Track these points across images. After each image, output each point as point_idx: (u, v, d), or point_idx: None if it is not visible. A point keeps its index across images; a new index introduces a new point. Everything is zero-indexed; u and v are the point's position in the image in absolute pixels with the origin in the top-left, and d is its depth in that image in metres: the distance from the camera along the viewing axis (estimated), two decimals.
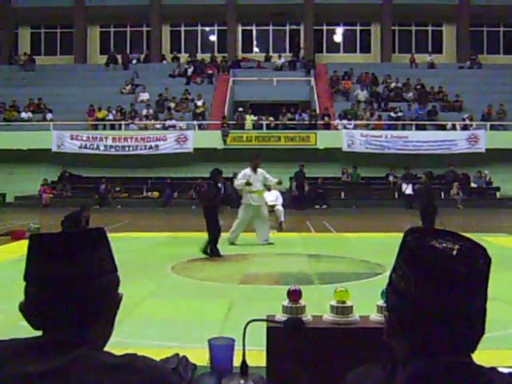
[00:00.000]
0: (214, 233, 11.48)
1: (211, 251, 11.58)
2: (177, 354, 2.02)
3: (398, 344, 1.32)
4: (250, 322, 1.90)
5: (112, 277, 1.47)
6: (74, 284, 1.38)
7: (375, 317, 2.11)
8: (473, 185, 27.46)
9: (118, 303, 1.49)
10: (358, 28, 37.26)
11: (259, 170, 13.39)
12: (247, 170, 13.34)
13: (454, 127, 28.58)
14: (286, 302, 2.14)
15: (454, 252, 1.26)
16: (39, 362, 1.31)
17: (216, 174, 12.07)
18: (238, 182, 13.31)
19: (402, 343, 1.31)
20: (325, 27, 37.20)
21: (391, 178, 27.73)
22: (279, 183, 13.84)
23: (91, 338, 1.39)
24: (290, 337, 1.93)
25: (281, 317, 2.10)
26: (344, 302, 2.11)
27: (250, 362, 1.98)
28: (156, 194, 27.43)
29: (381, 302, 2.12)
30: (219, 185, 12.13)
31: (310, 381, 1.99)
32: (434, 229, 1.35)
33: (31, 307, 1.41)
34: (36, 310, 1.40)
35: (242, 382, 1.91)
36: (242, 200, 13.42)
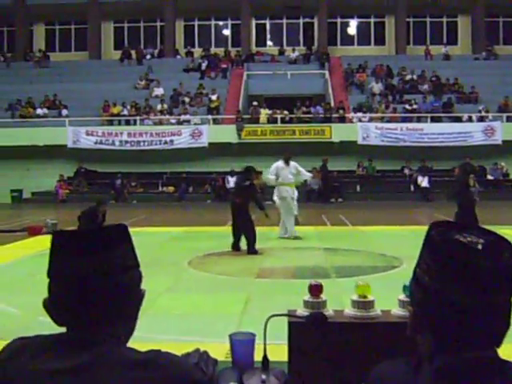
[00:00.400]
0: (253, 230, 11.39)
1: (233, 246, 11.58)
2: (198, 349, 2.02)
3: (422, 339, 1.31)
4: (271, 317, 1.90)
5: (135, 273, 1.47)
6: (97, 281, 1.38)
7: (397, 311, 2.10)
8: (489, 177, 27.26)
9: (141, 299, 1.49)
10: (372, 20, 37.06)
11: (291, 163, 13.49)
12: (279, 163, 13.42)
13: (470, 119, 28.38)
14: (307, 297, 2.13)
15: (479, 246, 1.25)
16: (64, 358, 1.32)
17: (249, 171, 12.00)
18: (269, 177, 13.44)
19: (427, 338, 1.30)
20: (339, 20, 37.03)
21: (407, 171, 27.59)
22: (313, 177, 13.94)
23: (115, 334, 1.40)
24: (312, 332, 1.93)
25: (302, 311, 2.10)
26: (365, 297, 2.10)
27: (270, 357, 1.97)
28: (171, 188, 27.50)
29: (402, 297, 2.11)
30: (253, 182, 12.03)
31: (332, 376, 1.98)
32: (458, 223, 1.34)
33: (55, 304, 1.42)
34: (59, 306, 1.41)
35: (263, 377, 1.90)
36: (275, 194, 13.53)
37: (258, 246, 11.38)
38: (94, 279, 1.38)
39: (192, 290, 8.12)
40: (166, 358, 1.36)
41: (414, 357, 1.30)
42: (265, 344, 1.94)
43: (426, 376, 1.22)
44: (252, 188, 11.80)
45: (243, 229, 11.39)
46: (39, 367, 1.32)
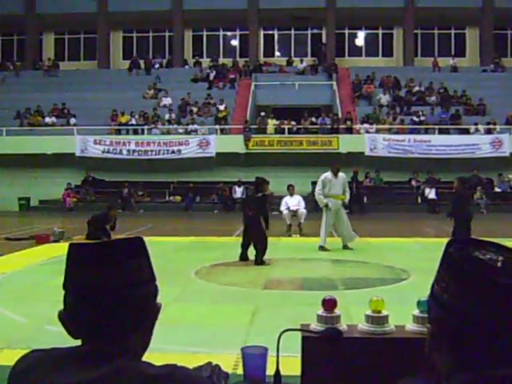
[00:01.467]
0: (264, 241, 11.37)
1: (241, 256, 11.58)
2: (210, 363, 2.01)
3: (440, 357, 1.30)
4: (285, 331, 1.89)
5: (151, 286, 1.46)
6: (114, 294, 1.37)
7: (411, 327, 2.08)
8: (497, 189, 27.18)
9: (157, 313, 1.49)
10: (381, 32, 37.12)
11: (340, 174, 13.40)
12: (328, 174, 13.30)
13: (476, 130, 28.25)
14: (320, 311, 2.12)
15: (499, 264, 1.24)
16: (80, 372, 1.31)
17: (262, 182, 11.98)
18: (320, 198, 13.28)
19: (445, 356, 1.28)
20: (347, 31, 37.11)
21: (414, 183, 27.54)
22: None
23: (130, 348, 1.39)
24: (326, 347, 1.91)
25: (316, 326, 2.08)
26: (379, 312, 2.08)
27: (281, 370, 1.96)
28: (178, 198, 27.54)
29: (417, 312, 2.09)
30: (265, 194, 12.01)
31: None
32: (476, 239, 1.33)
33: (70, 317, 1.40)
34: (75, 319, 1.40)
35: None
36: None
37: (265, 256, 11.37)
38: (111, 292, 1.37)
39: (199, 301, 8.09)
40: (183, 372, 1.34)
41: (433, 375, 1.28)
42: (277, 359, 1.92)
43: None
44: (264, 199, 11.80)
45: (254, 239, 11.38)
46: (55, 381, 1.31)
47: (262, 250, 11.25)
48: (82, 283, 1.39)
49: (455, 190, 12.95)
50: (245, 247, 11.59)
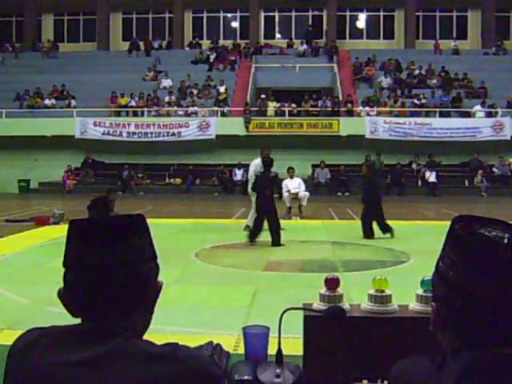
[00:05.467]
0: (278, 222, 11.46)
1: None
2: (211, 342, 2.00)
3: (445, 335, 1.28)
4: (287, 311, 1.87)
5: (152, 264, 1.44)
6: (115, 271, 1.35)
7: (415, 306, 2.07)
8: (496, 171, 27.13)
9: (158, 291, 1.47)
10: (382, 14, 36.86)
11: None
12: (258, 161, 12.79)
13: (478, 111, 28.15)
14: (323, 291, 2.10)
15: (505, 241, 1.22)
16: (80, 350, 1.29)
17: (272, 162, 11.98)
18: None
19: (450, 334, 1.27)
20: (348, 13, 36.84)
21: (414, 166, 27.49)
22: None
23: (131, 326, 1.37)
24: (328, 326, 1.90)
25: (318, 305, 2.07)
26: (383, 291, 2.07)
27: (283, 349, 1.95)
28: (178, 180, 27.51)
29: (420, 291, 2.08)
30: (277, 173, 12.14)
31: (349, 371, 1.96)
32: (481, 217, 1.31)
33: (70, 294, 1.38)
34: (75, 297, 1.37)
35: (277, 370, 1.88)
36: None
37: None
38: (112, 269, 1.35)
39: (199, 282, 8.11)
40: (184, 351, 1.33)
41: (438, 353, 1.27)
42: (279, 337, 1.91)
43: (452, 373, 1.19)
44: (277, 178, 12.04)
45: (268, 220, 11.40)
46: (55, 358, 1.29)
47: (276, 231, 11.28)
48: (82, 260, 1.36)
49: (364, 175, 13.23)
50: (257, 228, 11.53)
